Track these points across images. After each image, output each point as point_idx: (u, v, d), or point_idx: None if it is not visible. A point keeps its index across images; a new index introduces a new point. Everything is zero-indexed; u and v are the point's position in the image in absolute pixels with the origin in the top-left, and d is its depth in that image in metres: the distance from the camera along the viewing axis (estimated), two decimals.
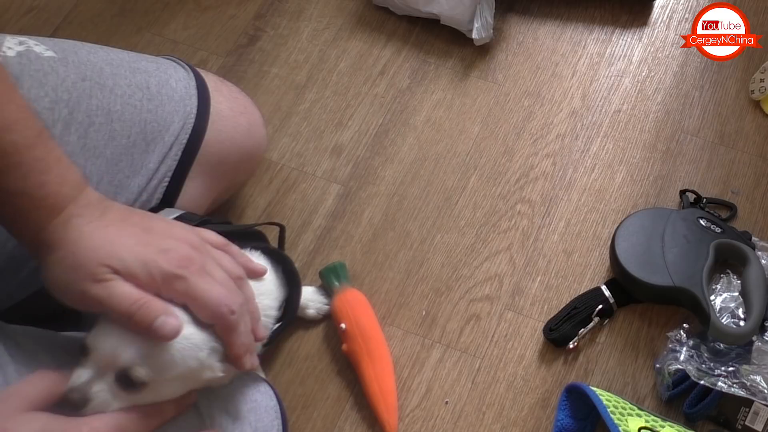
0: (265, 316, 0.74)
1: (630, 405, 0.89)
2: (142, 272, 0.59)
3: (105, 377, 0.58)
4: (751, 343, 0.93)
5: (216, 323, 0.62)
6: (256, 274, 0.72)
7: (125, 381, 0.58)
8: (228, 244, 0.69)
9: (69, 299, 0.59)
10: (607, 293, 1.01)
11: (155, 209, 0.79)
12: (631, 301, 1.02)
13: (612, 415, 0.85)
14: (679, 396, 0.94)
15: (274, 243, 1.00)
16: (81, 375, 0.58)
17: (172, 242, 0.61)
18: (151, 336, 0.58)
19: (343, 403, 0.96)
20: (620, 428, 0.83)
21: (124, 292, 0.58)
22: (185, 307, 0.62)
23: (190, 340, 0.61)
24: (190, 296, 0.60)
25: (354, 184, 1.11)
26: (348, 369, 0.98)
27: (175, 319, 0.59)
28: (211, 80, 0.88)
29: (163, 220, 0.65)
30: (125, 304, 0.58)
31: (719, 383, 0.89)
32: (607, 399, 0.88)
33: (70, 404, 0.57)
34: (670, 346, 0.95)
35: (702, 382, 0.90)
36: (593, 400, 0.88)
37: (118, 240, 0.59)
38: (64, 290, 0.59)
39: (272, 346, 0.98)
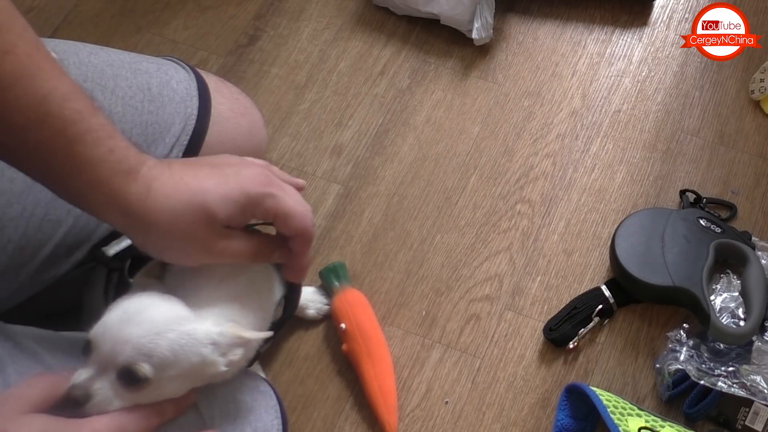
0: (265, 316, 0.74)
1: (630, 405, 0.89)
2: (236, 208, 0.61)
3: (107, 375, 0.59)
4: (751, 343, 0.93)
5: (298, 235, 0.64)
6: (299, 188, 0.73)
7: (127, 378, 0.59)
8: (268, 165, 0.71)
9: (189, 263, 0.63)
10: (607, 293, 1.01)
11: None
12: (631, 301, 1.02)
13: (612, 415, 0.85)
14: (679, 396, 0.94)
15: None
16: (83, 372, 0.58)
17: (242, 167, 0.64)
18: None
19: (343, 403, 0.96)
20: (620, 428, 0.83)
21: (238, 251, 0.63)
22: (185, 303, 0.62)
23: (192, 336, 0.61)
24: (280, 210, 0.63)
25: (354, 184, 1.11)
26: (348, 369, 0.98)
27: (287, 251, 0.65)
28: (212, 81, 0.88)
29: (215, 156, 0.67)
30: (247, 258, 0.64)
31: (719, 383, 0.89)
32: (607, 399, 0.88)
33: (72, 401, 0.57)
34: (670, 346, 0.95)
35: (702, 382, 0.90)
36: (593, 400, 0.88)
37: (199, 190, 0.60)
38: (179, 259, 0.62)
39: (272, 346, 0.98)
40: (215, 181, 0.61)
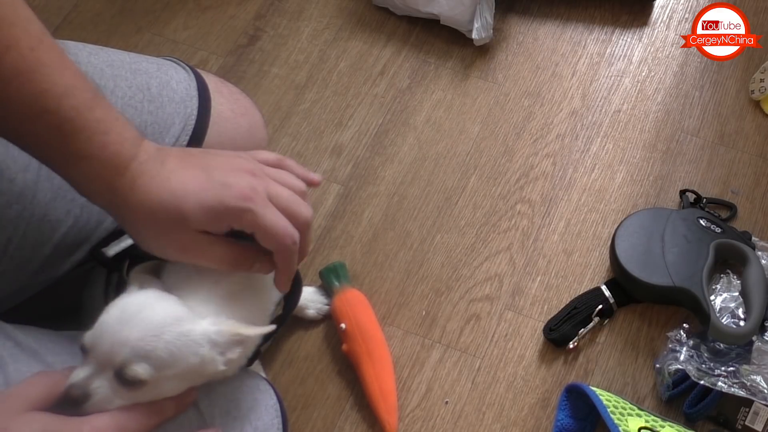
0: (264, 315, 0.74)
1: (630, 405, 0.89)
2: (210, 219, 0.61)
3: (105, 374, 0.58)
4: (751, 343, 0.93)
5: (278, 251, 0.64)
6: (314, 182, 0.73)
7: (124, 379, 0.58)
8: (282, 159, 0.71)
9: (170, 258, 0.64)
10: (607, 293, 1.01)
11: None
12: (631, 301, 1.02)
13: (612, 415, 0.85)
14: (679, 396, 0.94)
15: None
16: (81, 371, 0.58)
17: (232, 176, 0.63)
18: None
19: (343, 403, 0.96)
20: (620, 428, 0.83)
21: (216, 256, 0.63)
22: (183, 301, 0.62)
23: (190, 336, 0.61)
24: (257, 227, 0.62)
25: (354, 184, 1.11)
26: (348, 369, 0.98)
27: (268, 263, 0.65)
28: (212, 81, 0.88)
29: (219, 155, 0.67)
30: (224, 266, 0.64)
31: (719, 383, 0.89)
32: (607, 399, 0.88)
33: (71, 400, 0.57)
34: (670, 346, 0.95)
35: (702, 382, 0.90)
36: (593, 400, 0.88)
37: (181, 193, 0.61)
38: (159, 252, 0.63)
39: (272, 346, 0.98)
40: (198, 187, 0.61)
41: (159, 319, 0.60)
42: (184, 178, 0.62)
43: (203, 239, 0.62)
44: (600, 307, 1.00)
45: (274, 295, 0.77)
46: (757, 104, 1.17)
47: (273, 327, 0.70)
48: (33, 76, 0.57)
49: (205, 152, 0.68)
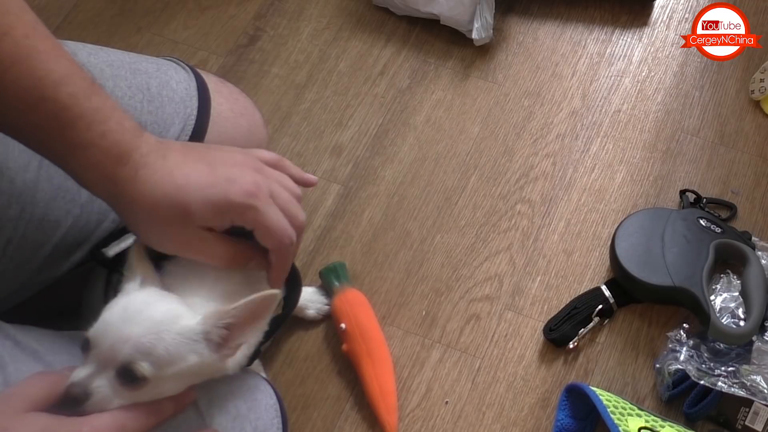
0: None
1: (630, 405, 0.89)
2: (214, 214, 0.61)
3: (106, 373, 0.59)
4: (751, 343, 0.93)
5: (275, 250, 0.65)
6: (309, 184, 0.73)
7: (126, 377, 0.58)
8: (281, 159, 0.70)
9: (168, 251, 0.63)
10: (607, 293, 1.01)
11: None
12: (631, 301, 1.02)
13: (612, 415, 0.85)
14: (679, 396, 0.94)
15: None
16: (82, 370, 0.58)
17: (236, 171, 0.63)
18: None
19: (343, 403, 0.96)
20: (620, 428, 0.83)
21: (215, 253, 0.63)
22: (183, 300, 0.62)
23: (187, 335, 0.61)
24: (259, 225, 0.63)
25: (354, 184, 1.11)
26: (348, 369, 0.98)
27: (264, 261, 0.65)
28: (212, 81, 0.88)
29: (224, 150, 0.67)
30: (221, 263, 0.64)
31: (719, 383, 0.89)
32: (607, 399, 0.88)
33: (71, 400, 0.57)
34: (670, 346, 0.95)
35: (702, 382, 0.90)
36: (593, 400, 0.88)
37: (184, 186, 0.60)
38: (159, 245, 0.63)
39: (272, 346, 0.98)
40: (203, 181, 0.61)
41: (160, 318, 0.60)
42: (188, 172, 0.61)
43: (204, 235, 0.62)
44: (600, 307, 1.00)
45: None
46: (757, 104, 1.17)
47: (254, 297, 0.66)
48: (29, 62, 0.57)
49: (207, 146, 0.68)
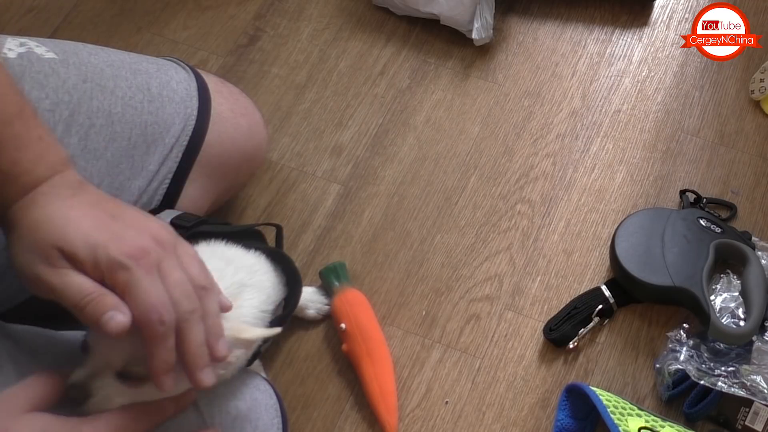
0: (263, 312, 0.74)
1: (630, 405, 0.89)
2: (88, 257, 0.55)
3: (106, 373, 0.59)
4: (751, 343, 0.93)
5: (143, 329, 0.56)
6: (224, 309, 0.63)
7: (126, 377, 0.59)
8: (210, 285, 0.62)
9: (26, 282, 0.57)
10: (607, 293, 1.01)
11: (155, 211, 0.79)
12: (631, 301, 1.02)
13: (612, 415, 0.85)
14: (679, 396, 0.94)
15: (272, 243, 1.00)
16: (82, 371, 0.58)
17: (133, 232, 0.58)
18: (99, 331, 0.55)
19: (343, 403, 0.96)
20: (620, 428, 0.83)
21: (75, 283, 0.55)
22: None
23: None
24: (128, 290, 0.56)
25: (354, 184, 1.11)
26: (348, 369, 0.98)
27: (124, 316, 0.55)
28: (212, 81, 0.88)
29: (143, 214, 0.62)
30: (77, 296, 0.55)
31: (719, 383, 0.89)
32: (607, 399, 0.88)
33: (71, 400, 0.57)
34: (670, 346, 0.95)
35: (702, 382, 0.90)
36: (593, 400, 0.88)
37: (75, 221, 0.56)
38: (21, 271, 0.57)
39: (272, 346, 0.98)
40: (92, 226, 0.57)
41: None
42: (85, 215, 0.57)
43: (65, 271, 0.56)
44: (600, 307, 1.00)
45: (275, 296, 0.78)
46: (757, 104, 1.17)
47: (278, 329, 0.69)
48: None
49: (129, 207, 0.62)
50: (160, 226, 0.61)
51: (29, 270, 0.56)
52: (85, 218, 0.57)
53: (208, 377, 0.59)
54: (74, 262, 0.56)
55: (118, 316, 0.55)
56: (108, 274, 0.56)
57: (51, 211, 0.57)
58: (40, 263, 0.55)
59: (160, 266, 0.57)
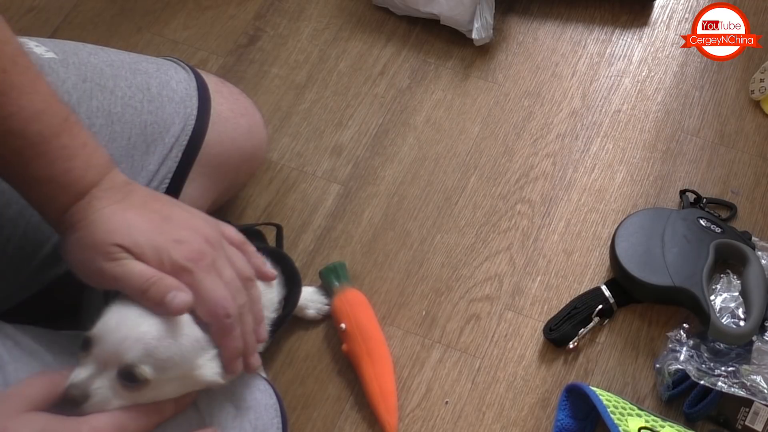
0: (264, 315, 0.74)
1: (630, 405, 0.89)
2: (154, 257, 0.60)
3: (106, 374, 0.58)
4: (751, 343, 0.93)
5: (212, 323, 0.63)
6: (267, 278, 0.73)
7: (127, 378, 0.58)
8: (245, 243, 0.70)
9: (87, 277, 0.62)
10: (607, 293, 1.01)
11: None
12: (631, 301, 1.02)
13: (612, 415, 0.85)
14: (679, 396, 0.94)
15: (272, 243, 1.00)
16: (81, 371, 0.58)
17: (187, 233, 0.63)
18: (163, 311, 0.59)
19: (343, 403, 0.96)
20: (620, 428, 0.83)
21: (137, 269, 0.60)
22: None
23: (194, 338, 0.61)
24: (193, 291, 0.61)
25: (354, 184, 1.11)
26: (348, 369, 0.98)
27: (186, 294, 0.60)
28: (212, 81, 0.88)
29: (184, 208, 0.66)
30: (139, 281, 0.59)
31: (719, 383, 0.89)
32: (607, 399, 0.88)
33: (70, 400, 0.57)
34: (670, 346, 0.95)
35: (702, 382, 0.90)
36: (593, 400, 0.88)
37: (134, 223, 0.61)
38: (82, 268, 0.61)
39: (272, 346, 0.98)
40: (151, 228, 0.61)
41: (167, 321, 0.60)
42: (141, 218, 0.62)
43: (120, 259, 0.60)
44: (600, 307, 1.00)
45: (275, 296, 0.78)
46: (757, 104, 1.17)
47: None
48: (1, 99, 0.58)
49: (171, 201, 0.67)
50: (206, 224, 0.66)
51: (91, 266, 0.60)
52: (144, 221, 0.62)
53: (257, 360, 0.67)
54: (139, 257, 0.60)
55: (181, 295, 0.60)
56: (172, 276, 0.61)
57: (108, 214, 0.61)
58: (102, 260, 0.60)
59: (215, 265, 0.63)
